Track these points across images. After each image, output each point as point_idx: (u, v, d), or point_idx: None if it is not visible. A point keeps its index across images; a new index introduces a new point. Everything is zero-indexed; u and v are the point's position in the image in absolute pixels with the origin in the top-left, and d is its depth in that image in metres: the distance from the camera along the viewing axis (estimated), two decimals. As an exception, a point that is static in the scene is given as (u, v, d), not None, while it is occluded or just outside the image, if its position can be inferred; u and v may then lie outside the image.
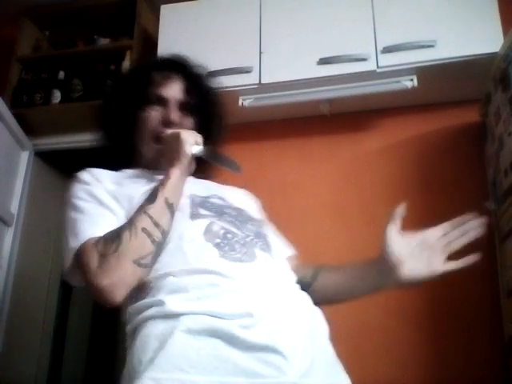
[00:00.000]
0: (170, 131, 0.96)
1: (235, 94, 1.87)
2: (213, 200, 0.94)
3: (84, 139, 2.39)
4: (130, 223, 0.81)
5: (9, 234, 2.22)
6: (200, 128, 1.02)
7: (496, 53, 1.54)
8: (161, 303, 0.75)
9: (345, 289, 0.96)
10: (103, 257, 0.77)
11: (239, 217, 0.91)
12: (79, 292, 3.24)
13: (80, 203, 0.87)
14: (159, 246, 0.81)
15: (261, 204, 1.14)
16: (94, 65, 2.23)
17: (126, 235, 0.78)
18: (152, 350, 0.70)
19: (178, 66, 1.07)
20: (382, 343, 1.71)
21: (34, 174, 2.41)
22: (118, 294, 0.77)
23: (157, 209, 0.82)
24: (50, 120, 2.27)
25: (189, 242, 0.82)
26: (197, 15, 1.99)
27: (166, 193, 0.85)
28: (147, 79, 1.02)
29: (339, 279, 0.96)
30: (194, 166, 0.96)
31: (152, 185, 0.90)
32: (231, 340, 0.70)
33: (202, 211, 0.88)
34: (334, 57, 1.75)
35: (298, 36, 1.83)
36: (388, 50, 1.70)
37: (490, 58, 1.57)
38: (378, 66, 1.71)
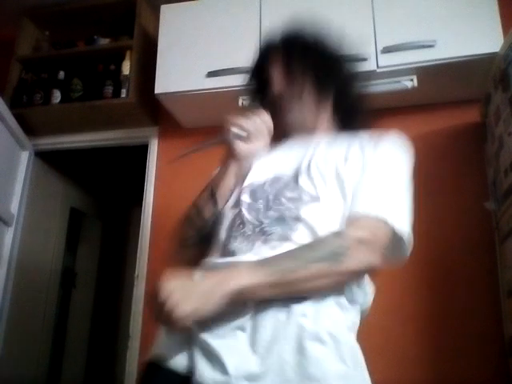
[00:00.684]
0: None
1: (235, 94, 1.87)
2: (270, 182, 0.91)
3: (84, 139, 2.40)
4: (186, 212, 0.99)
5: (9, 234, 2.22)
6: (321, 83, 0.99)
7: (496, 53, 1.54)
8: None
9: None
10: None
11: (271, 202, 0.87)
12: (79, 292, 3.25)
13: None
14: (200, 231, 0.94)
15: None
16: (94, 65, 2.23)
17: (181, 223, 0.97)
18: None
19: (276, 41, 1.06)
20: (382, 343, 1.71)
21: (34, 174, 2.41)
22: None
23: (202, 198, 0.96)
24: (50, 120, 2.28)
25: (216, 235, 0.91)
26: (197, 15, 1.98)
27: (212, 182, 0.97)
28: (253, 68, 1.06)
29: None
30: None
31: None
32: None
33: (244, 198, 0.91)
34: (334, 57, 1.75)
35: (298, 36, 1.82)
36: (388, 49, 1.70)
37: (490, 58, 1.57)
38: (377, 66, 1.71)
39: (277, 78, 0.99)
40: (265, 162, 0.97)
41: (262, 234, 0.83)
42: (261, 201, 0.88)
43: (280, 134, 0.98)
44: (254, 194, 0.90)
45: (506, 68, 1.42)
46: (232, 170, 0.94)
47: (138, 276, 2.06)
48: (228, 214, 0.91)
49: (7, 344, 2.17)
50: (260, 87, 1.04)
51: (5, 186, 2.20)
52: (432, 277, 1.74)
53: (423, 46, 1.66)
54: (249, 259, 0.78)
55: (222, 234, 0.88)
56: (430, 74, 1.71)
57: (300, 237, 0.81)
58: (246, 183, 0.94)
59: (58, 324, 2.95)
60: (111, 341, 3.41)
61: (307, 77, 0.99)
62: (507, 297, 1.51)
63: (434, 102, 1.93)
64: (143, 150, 2.28)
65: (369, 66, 1.71)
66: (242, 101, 1.87)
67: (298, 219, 0.83)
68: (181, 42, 1.96)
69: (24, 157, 2.36)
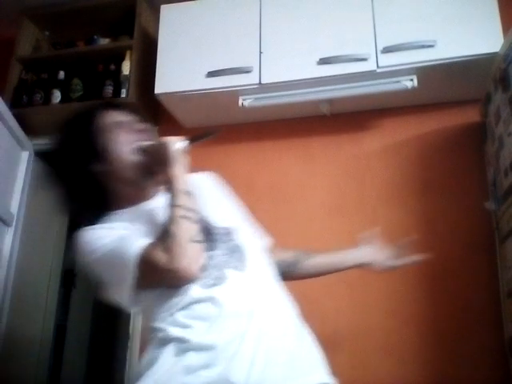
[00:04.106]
0: (148, 142, 1.00)
1: (235, 93, 1.87)
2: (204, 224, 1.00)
3: (84, 139, 2.39)
4: (169, 219, 0.90)
5: (9, 234, 2.22)
6: None
7: (496, 53, 1.54)
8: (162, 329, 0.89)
9: (326, 269, 1.23)
10: (167, 249, 0.87)
11: (217, 236, 0.98)
12: (79, 292, 3.24)
13: (105, 241, 0.95)
14: (202, 224, 0.95)
15: (220, 181, 1.18)
16: (94, 65, 2.23)
17: (171, 228, 0.89)
18: (144, 366, 0.88)
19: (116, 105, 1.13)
20: (383, 343, 1.71)
21: (34, 174, 2.41)
22: (194, 268, 0.89)
23: (182, 198, 0.92)
24: (50, 120, 2.27)
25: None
26: (197, 15, 1.99)
27: (180, 186, 0.94)
28: (95, 120, 1.05)
29: (323, 262, 1.22)
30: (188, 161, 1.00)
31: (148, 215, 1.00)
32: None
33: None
34: (333, 57, 1.75)
35: (297, 36, 1.82)
36: (388, 49, 1.70)
37: (490, 57, 1.57)
38: (378, 66, 1.71)
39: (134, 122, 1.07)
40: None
41: (227, 263, 0.94)
42: (214, 242, 0.98)
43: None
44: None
45: (506, 68, 1.42)
46: (185, 173, 0.99)
47: (137, 276, 2.06)
48: None
49: (7, 344, 2.16)
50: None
51: (5, 186, 2.20)
52: (432, 277, 1.74)
53: (423, 46, 1.66)
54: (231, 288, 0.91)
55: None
56: (429, 73, 1.71)
57: (252, 258, 0.98)
58: None
59: (58, 324, 2.95)
60: (111, 341, 3.41)
61: None
62: (507, 297, 1.51)
63: (434, 102, 1.93)
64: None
65: (369, 66, 1.71)
66: (241, 101, 1.88)
67: (240, 247, 0.98)
68: (181, 42, 1.96)
69: (24, 157, 2.35)
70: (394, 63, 1.70)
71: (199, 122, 2.14)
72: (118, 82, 2.13)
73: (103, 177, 1.03)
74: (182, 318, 0.88)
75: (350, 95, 1.82)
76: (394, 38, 1.70)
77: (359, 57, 1.72)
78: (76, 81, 2.22)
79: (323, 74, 1.76)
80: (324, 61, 1.76)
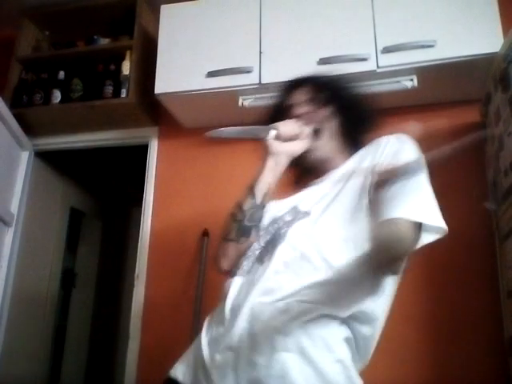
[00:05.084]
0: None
1: (235, 93, 1.87)
2: (284, 215, 1.03)
3: (84, 139, 2.40)
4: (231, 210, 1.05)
5: (9, 234, 2.22)
6: (338, 115, 1.13)
7: (496, 53, 1.54)
8: None
9: None
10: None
11: (272, 226, 1.02)
12: (79, 292, 3.25)
13: None
14: (241, 223, 1.01)
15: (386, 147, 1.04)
16: (94, 65, 2.23)
17: (226, 220, 1.04)
18: None
19: (303, 78, 1.22)
20: (383, 343, 1.71)
21: (34, 174, 2.41)
22: (219, 262, 1.05)
23: (243, 196, 1.03)
24: (50, 120, 2.28)
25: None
26: (197, 15, 1.98)
27: (252, 181, 1.04)
28: (284, 102, 1.17)
29: None
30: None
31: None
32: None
33: (261, 233, 1.03)
34: (333, 57, 1.74)
35: (297, 36, 1.82)
36: (388, 50, 1.70)
37: (490, 57, 1.57)
38: (378, 66, 1.71)
39: (299, 107, 1.12)
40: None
41: (258, 255, 0.98)
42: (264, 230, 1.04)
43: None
44: (266, 230, 1.04)
45: (506, 68, 1.42)
46: (268, 166, 1.05)
47: (137, 276, 2.07)
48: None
49: (7, 344, 2.17)
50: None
51: (5, 186, 2.20)
52: (432, 277, 1.74)
53: (423, 46, 1.66)
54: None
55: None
56: (430, 74, 1.71)
57: (281, 252, 0.93)
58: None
59: (58, 324, 2.95)
60: (111, 341, 3.41)
61: (333, 115, 1.13)
62: (507, 297, 1.51)
63: (434, 102, 1.93)
64: (143, 150, 2.28)
65: (369, 65, 1.71)
66: (241, 101, 1.88)
67: (281, 236, 0.96)
68: (181, 41, 1.96)
69: (24, 157, 2.36)
70: (394, 63, 1.70)
71: (199, 122, 2.14)
72: (117, 82, 2.13)
73: None
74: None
75: (350, 95, 1.82)
76: (394, 38, 1.70)
77: (359, 57, 1.72)
78: (76, 81, 2.22)
79: (323, 74, 1.76)
80: (324, 61, 1.75)
